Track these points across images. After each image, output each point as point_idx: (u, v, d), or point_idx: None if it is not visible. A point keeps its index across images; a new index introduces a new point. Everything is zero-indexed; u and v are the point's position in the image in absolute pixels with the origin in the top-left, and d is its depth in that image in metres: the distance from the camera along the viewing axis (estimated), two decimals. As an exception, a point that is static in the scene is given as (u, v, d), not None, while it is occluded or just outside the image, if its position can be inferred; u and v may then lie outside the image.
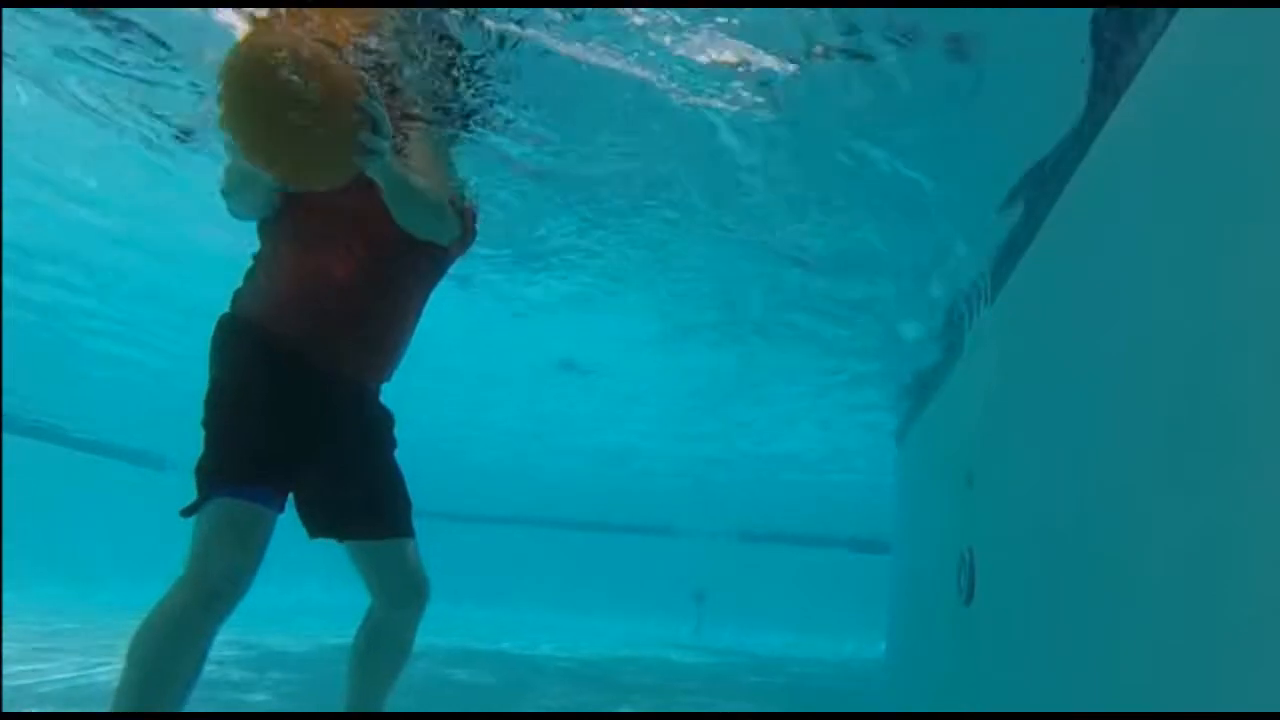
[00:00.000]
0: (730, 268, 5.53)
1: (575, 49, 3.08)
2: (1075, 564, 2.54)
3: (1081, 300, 2.71)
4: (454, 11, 2.93)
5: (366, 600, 2.58)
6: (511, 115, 3.58)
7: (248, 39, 2.17)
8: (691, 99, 3.32)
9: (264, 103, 1.99)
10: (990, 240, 4.08)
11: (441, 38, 3.05)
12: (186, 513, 2.21)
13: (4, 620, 5.59)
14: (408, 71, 3.21)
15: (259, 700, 4.47)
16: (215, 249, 5.09)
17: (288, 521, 2.37)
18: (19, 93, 4.02)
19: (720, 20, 2.91)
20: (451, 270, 2.79)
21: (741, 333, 6.97)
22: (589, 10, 2.89)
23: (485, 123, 3.62)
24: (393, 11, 2.93)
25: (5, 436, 11.83)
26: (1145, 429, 2.10)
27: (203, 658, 2.11)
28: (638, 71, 3.17)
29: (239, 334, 2.38)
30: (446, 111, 3.49)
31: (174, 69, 3.48)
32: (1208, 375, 1.80)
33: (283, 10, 2.89)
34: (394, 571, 2.52)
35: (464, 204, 2.76)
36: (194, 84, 3.57)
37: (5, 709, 3.66)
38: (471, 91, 3.39)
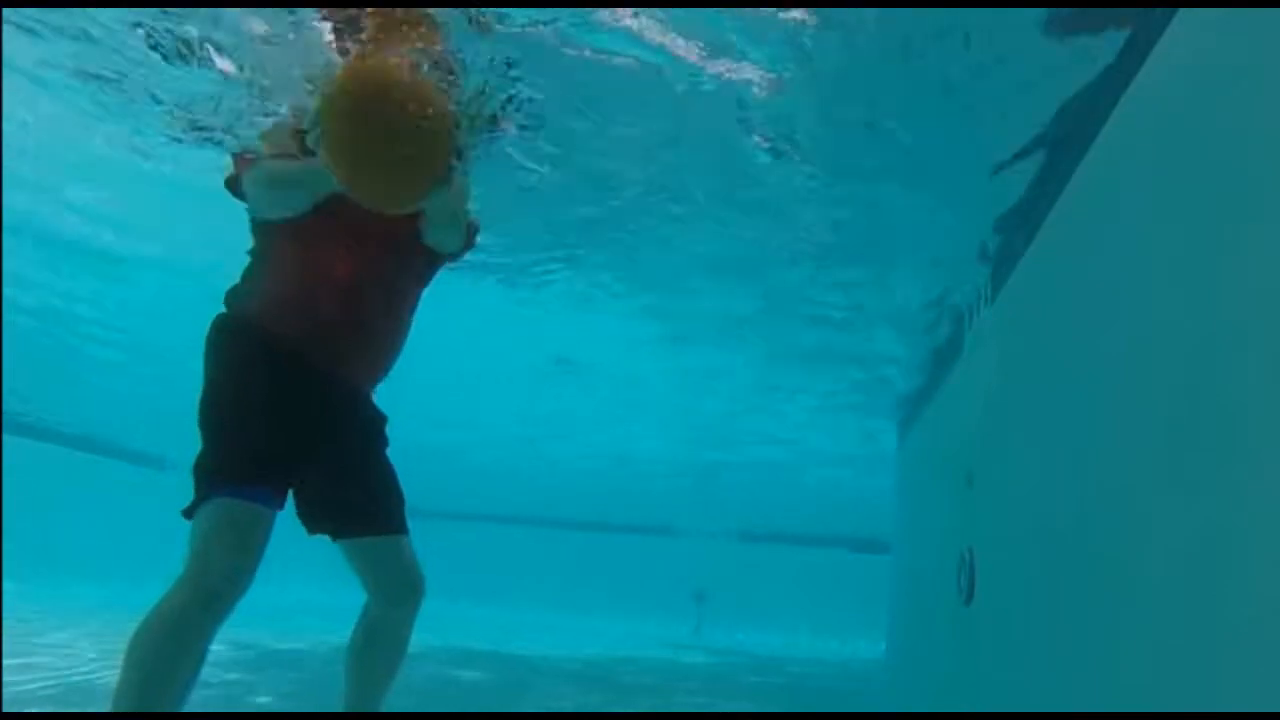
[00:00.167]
0: (732, 268, 5.53)
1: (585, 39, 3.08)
2: (1075, 564, 2.54)
3: (1081, 300, 2.71)
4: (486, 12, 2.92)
5: (364, 600, 2.58)
6: (526, 119, 3.60)
7: (366, 67, 2.14)
8: (700, 82, 3.28)
9: (383, 135, 1.98)
10: (990, 242, 4.09)
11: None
12: (188, 513, 2.21)
13: (4, 620, 5.59)
14: (464, 80, 3.21)
15: (258, 700, 4.47)
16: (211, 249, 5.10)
17: (287, 521, 2.37)
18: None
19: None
20: (451, 269, 2.80)
21: (742, 332, 6.98)
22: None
23: (501, 124, 3.64)
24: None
25: (5, 437, 11.83)
26: (1145, 429, 2.10)
27: (202, 658, 2.11)
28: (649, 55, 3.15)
29: (237, 333, 2.38)
30: (480, 117, 3.50)
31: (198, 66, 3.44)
32: (1208, 375, 1.80)
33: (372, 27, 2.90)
34: (390, 569, 2.53)
35: (469, 217, 2.76)
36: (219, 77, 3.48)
37: (4, 709, 3.66)
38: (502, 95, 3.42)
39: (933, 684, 5.08)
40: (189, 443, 2.31)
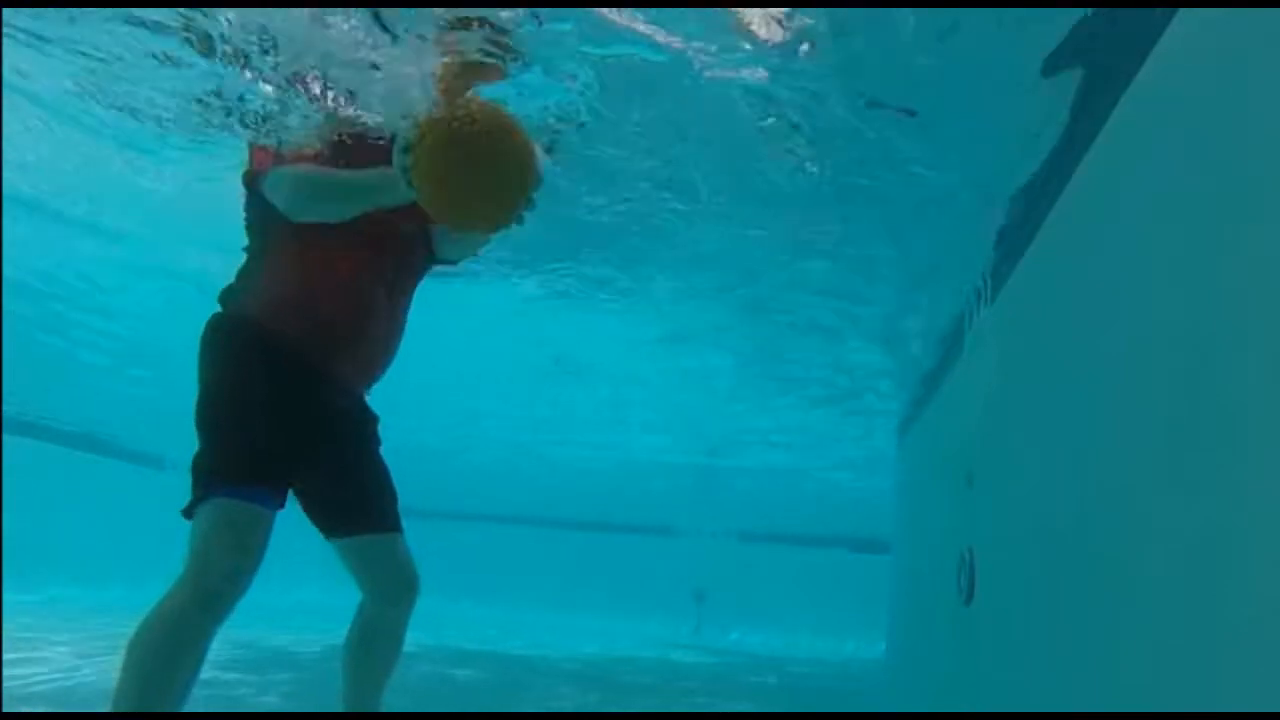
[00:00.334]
0: (733, 267, 5.53)
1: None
2: (1075, 564, 2.54)
3: (1081, 300, 2.71)
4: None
5: (360, 599, 2.59)
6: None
7: (489, 104, 2.16)
8: (714, 73, 3.26)
9: (494, 169, 2.07)
10: (991, 239, 4.08)
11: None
12: (187, 513, 2.21)
13: (3, 620, 5.59)
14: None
15: (259, 700, 4.47)
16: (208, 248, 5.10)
17: (288, 521, 2.37)
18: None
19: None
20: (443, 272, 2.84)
21: (742, 331, 6.98)
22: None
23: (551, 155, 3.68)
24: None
25: (5, 437, 11.82)
26: (1145, 429, 2.10)
27: (202, 658, 2.12)
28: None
29: (236, 333, 2.38)
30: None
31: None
32: (1208, 375, 1.80)
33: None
34: (385, 567, 2.53)
35: None
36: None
37: (4, 709, 3.66)
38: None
39: (933, 684, 5.08)
40: (188, 442, 2.31)
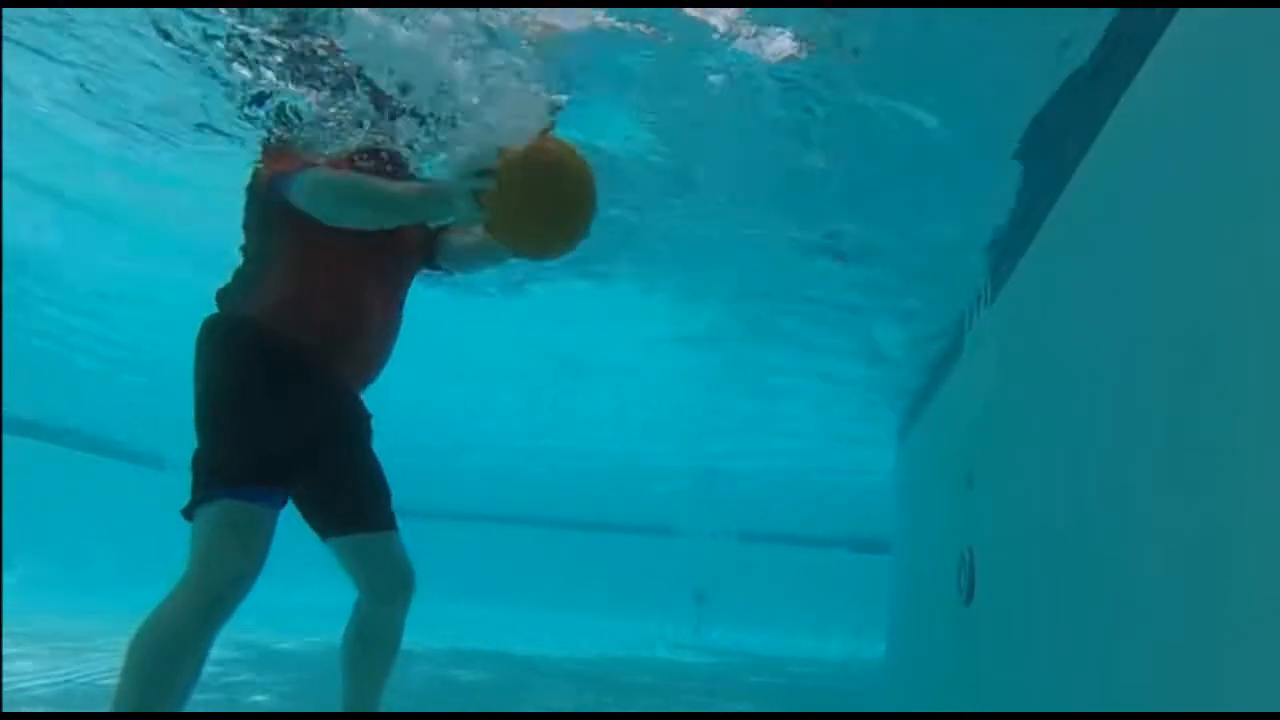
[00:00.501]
0: (734, 267, 5.53)
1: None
2: (1075, 564, 2.54)
3: (1081, 300, 2.71)
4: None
5: (355, 598, 2.59)
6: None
7: (563, 148, 2.22)
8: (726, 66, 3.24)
9: (574, 206, 2.19)
10: (990, 241, 4.08)
11: None
12: (187, 513, 2.21)
13: (3, 620, 5.59)
14: None
15: (259, 700, 4.47)
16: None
17: (288, 521, 2.37)
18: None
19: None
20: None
21: (743, 333, 6.98)
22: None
23: None
24: None
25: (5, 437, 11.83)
26: (1145, 429, 2.10)
27: (203, 660, 2.11)
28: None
29: (235, 333, 2.37)
30: None
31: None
32: (1208, 375, 1.80)
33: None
34: (381, 565, 2.54)
35: None
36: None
37: (4, 709, 3.66)
38: None
39: (933, 684, 5.08)
40: (187, 442, 2.31)
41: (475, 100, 2.67)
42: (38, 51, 3.55)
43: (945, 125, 3.45)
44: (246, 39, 3.04)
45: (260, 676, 5.20)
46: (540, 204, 2.16)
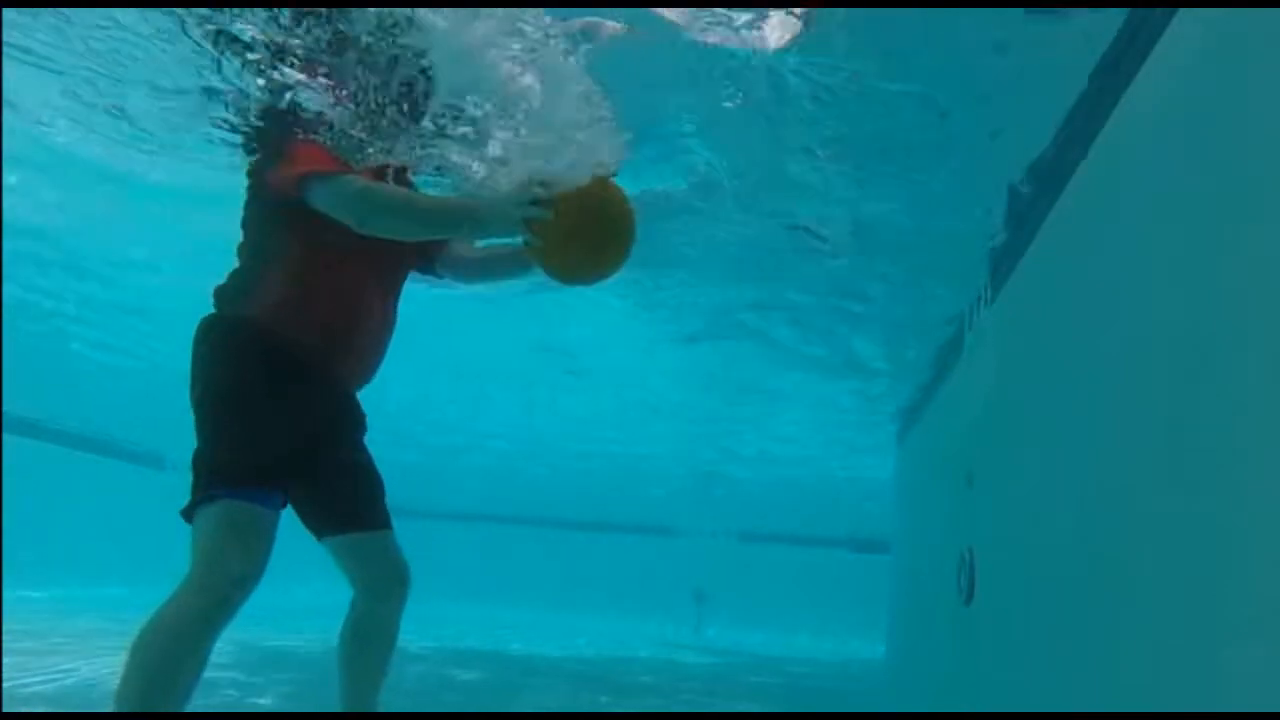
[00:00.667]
0: (734, 265, 5.53)
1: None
2: (1075, 564, 2.54)
3: (1081, 300, 2.71)
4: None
5: (351, 596, 2.60)
6: None
7: (614, 188, 2.33)
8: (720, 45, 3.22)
9: (613, 247, 2.32)
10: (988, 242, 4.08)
11: None
12: (187, 514, 2.20)
13: (3, 619, 5.59)
14: None
15: (259, 701, 4.47)
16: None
17: (289, 521, 2.37)
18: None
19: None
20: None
21: (743, 331, 6.98)
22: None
23: None
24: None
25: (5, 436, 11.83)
26: (1145, 429, 2.10)
27: (205, 661, 2.12)
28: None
29: (235, 333, 2.37)
30: None
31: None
32: (1208, 375, 1.80)
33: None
34: (378, 563, 2.55)
35: None
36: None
37: (4, 709, 3.66)
38: None
39: (933, 684, 5.08)
40: (187, 442, 2.31)
41: (557, 134, 2.69)
42: (39, 54, 3.55)
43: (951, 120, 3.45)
44: (282, 48, 2.99)
45: (260, 677, 5.19)
46: (592, 243, 2.28)
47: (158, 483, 11.46)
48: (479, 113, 2.78)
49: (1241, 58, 1.78)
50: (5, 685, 4.12)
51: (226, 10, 2.94)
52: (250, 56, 3.10)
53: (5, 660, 4.66)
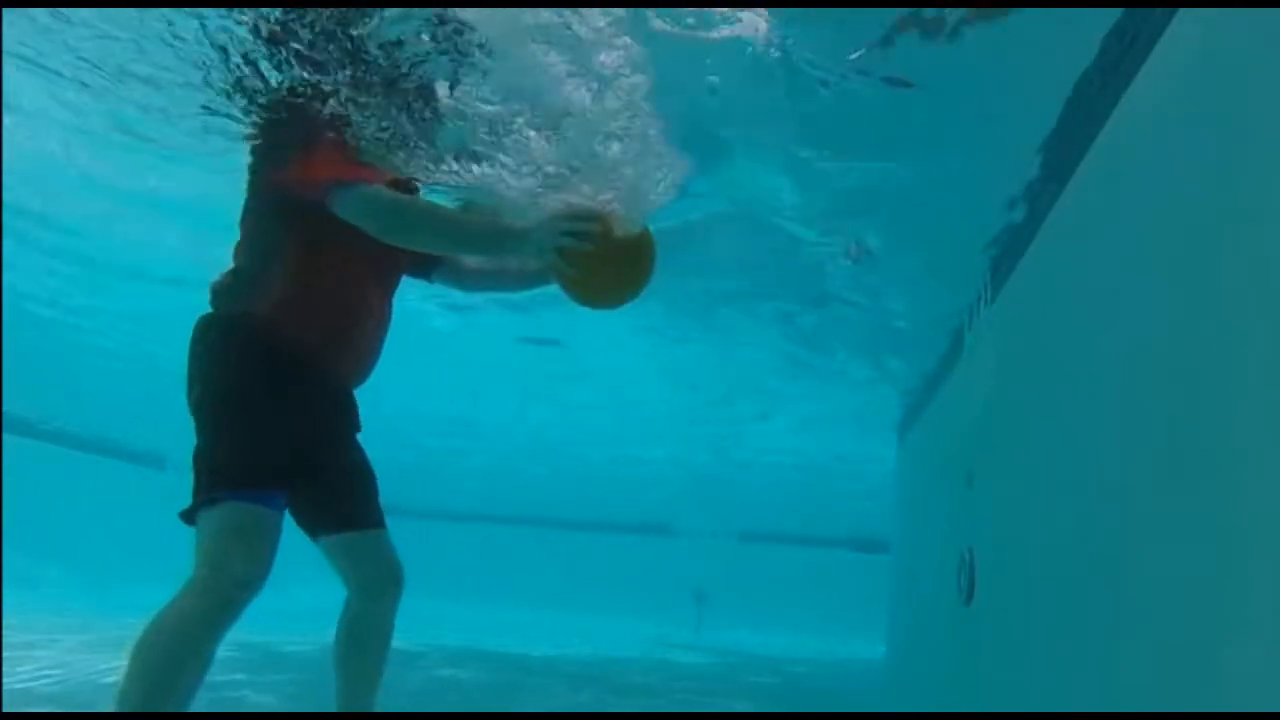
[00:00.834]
0: (734, 264, 5.53)
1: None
2: (1075, 564, 2.54)
3: (1082, 300, 2.71)
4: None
5: (345, 595, 2.61)
6: None
7: (653, 244, 2.42)
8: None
9: (634, 283, 2.42)
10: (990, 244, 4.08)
11: None
12: (188, 516, 2.20)
13: (3, 620, 5.59)
14: None
15: (260, 701, 4.47)
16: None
17: (288, 523, 2.37)
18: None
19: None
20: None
21: (743, 331, 6.98)
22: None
23: None
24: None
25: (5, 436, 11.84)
26: (1145, 429, 2.10)
27: (208, 663, 2.12)
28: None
29: (236, 332, 2.36)
30: None
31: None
32: (1208, 375, 1.80)
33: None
34: (373, 563, 2.55)
35: None
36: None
37: (4, 709, 3.66)
38: None
39: (933, 684, 5.08)
40: (188, 442, 2.31)
41: (614, 171, 2.71)
42: (34, 55, 3.54)
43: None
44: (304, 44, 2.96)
45: (261, 677, 5.19)
46: (620, 277, 2.40)
47: (158, 483, 11.46)
48: (521, 130, 2.78)
49: (1241, 58, 1.78)
50: (5, 685, 4.12)
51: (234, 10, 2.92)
52: (258, 53, 3.08)
53: (5, 660, 4.66)
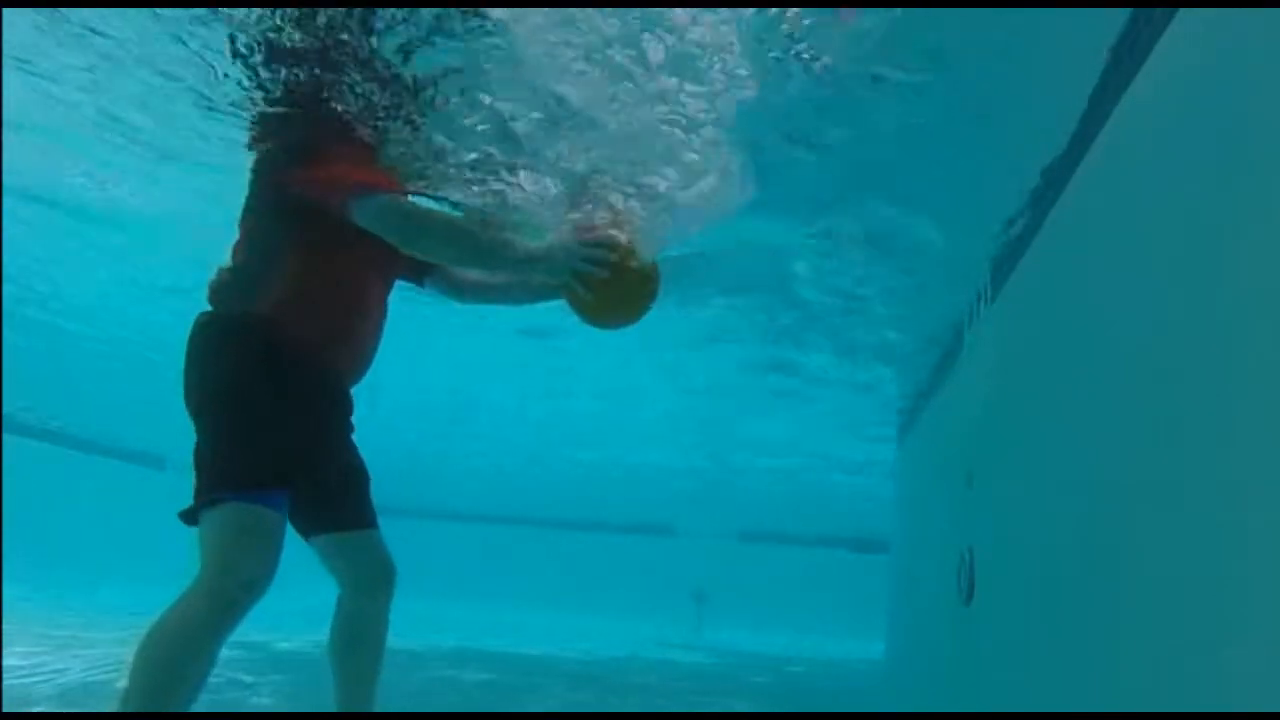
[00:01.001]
0: (734, 264, 5.52)
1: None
2: (1075, 564, 2.54)
3: (1082, 300, 2.71)
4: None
5: (338, 594, 2.61)
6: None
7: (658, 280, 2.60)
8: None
9: (639, 310, 2.61)
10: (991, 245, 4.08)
11: None
12: (190, 516, 2.19)
13: (3, 619, 5.59)
14: None
15: (260, 701, 4.47)
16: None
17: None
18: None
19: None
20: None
21: (742, 331, 6.97)
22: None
23: None
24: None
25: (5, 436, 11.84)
26: (1146, 428, 2.10)
27: (212, 664, 2.12)
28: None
29: (239, 332, 2.36)
30: None
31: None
32: (1208, 374, 1.80)
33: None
34: (366, 561, 2.56)
35: None
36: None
37: (4, 709, 3.66)
38: None
39: (933, 684, 5.08)
40: (188, 442, 2.30)
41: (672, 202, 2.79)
42: (32, 51, 3.52)
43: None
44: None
45: (261, 677, 5.19)
46: (627, 304, 2.57)
47: (158, 483, 11.46)
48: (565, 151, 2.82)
49: (1241, 58, 1.78)
50: (5, 685, 4.11)
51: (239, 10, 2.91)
52: (263, 53, 3.07)
53: (5, 660, 4.65)
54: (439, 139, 3.04)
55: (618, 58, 2.78)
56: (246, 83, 3.27)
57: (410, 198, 2.66)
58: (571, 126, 2.86)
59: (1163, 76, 2.21)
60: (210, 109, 3.64)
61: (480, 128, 2.94)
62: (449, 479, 16.00)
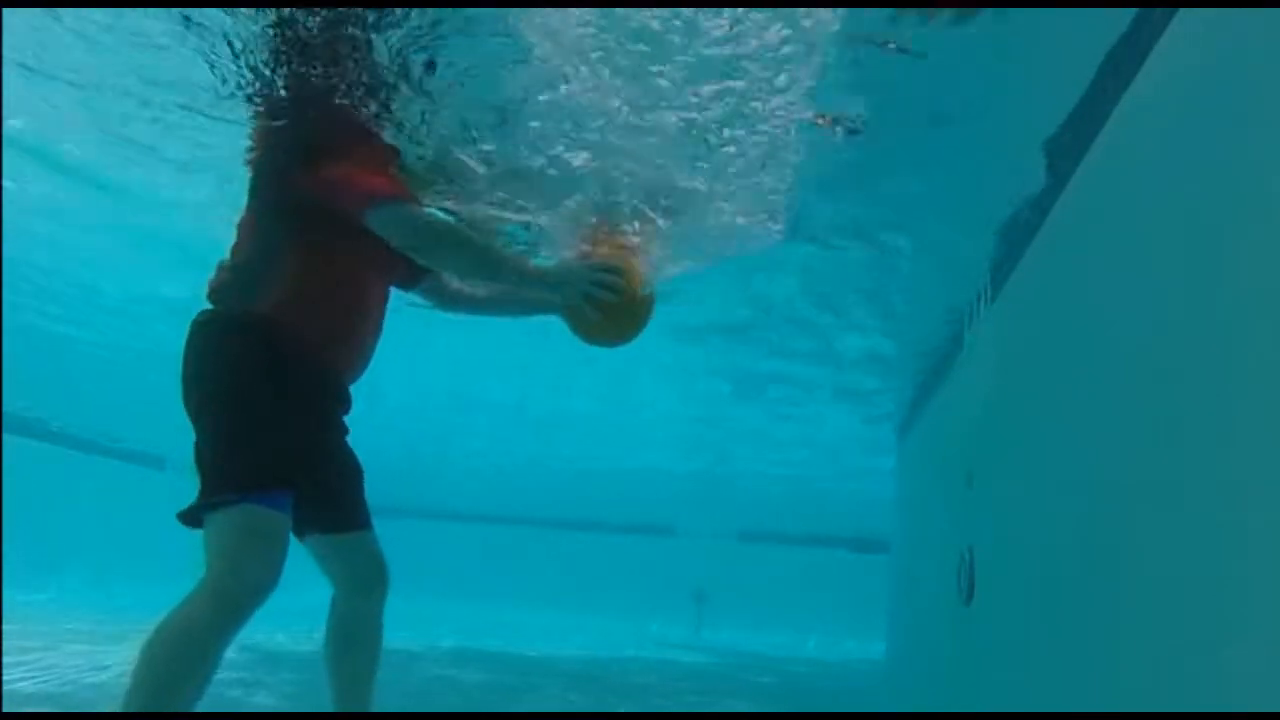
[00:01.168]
0: (734, 265, 5.52)
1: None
2: (1075, 564, 2.54)
3: (1082, 300, 2.71)
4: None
5: (332, 595, 2.61)
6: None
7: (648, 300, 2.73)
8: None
9: (635, 330, 2.71)
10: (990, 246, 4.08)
11: None
12: (192, 517, 2.19)
13: (3, 620, 5.59)
14: None
15: (260, 701, 4.47)
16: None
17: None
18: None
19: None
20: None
21: (741, 331, 6.97)
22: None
23: None
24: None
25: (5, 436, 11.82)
26: (1146, 428, 2.10)
27: (217, 665, 2.12)
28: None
29: (241, 332, 2.36)
30: None
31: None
32: (1208, 374, 1.80)
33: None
34: (360, 561, 2.57)
35: None
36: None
37: (4, 709, 3.66)
38: None
39: (933, 684, 5.08)
40: (188, 442, 2.30)
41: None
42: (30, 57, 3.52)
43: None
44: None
45: (262, 677, 5.19)
46: (626, 327, 2.68)
47: (158, 483, 11.45)
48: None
49: (1241, 58, 1.78)
50: (5, 685, 4.12)
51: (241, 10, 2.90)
52: (268, 54, 3.06)
53: (5, 660, 4.66)
54: (450, 145, 3.03)
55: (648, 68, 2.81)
56: (247, 82, 3.26)
57: (422, 206, 2.68)
58: (589, 138, 2.87)
59: (1163, 76, 2.21)
60: (211, 108, 3.63)
61: (492, 134, 2.94)
62: (448, 479, 15.99)
